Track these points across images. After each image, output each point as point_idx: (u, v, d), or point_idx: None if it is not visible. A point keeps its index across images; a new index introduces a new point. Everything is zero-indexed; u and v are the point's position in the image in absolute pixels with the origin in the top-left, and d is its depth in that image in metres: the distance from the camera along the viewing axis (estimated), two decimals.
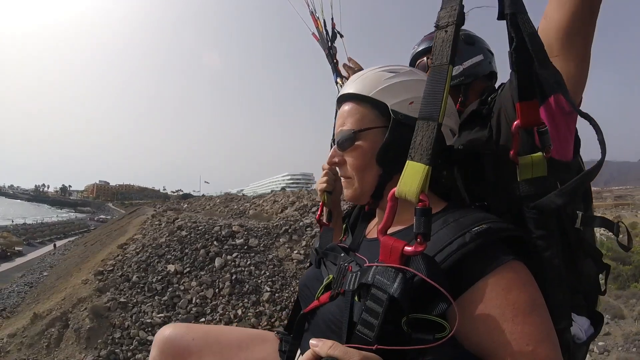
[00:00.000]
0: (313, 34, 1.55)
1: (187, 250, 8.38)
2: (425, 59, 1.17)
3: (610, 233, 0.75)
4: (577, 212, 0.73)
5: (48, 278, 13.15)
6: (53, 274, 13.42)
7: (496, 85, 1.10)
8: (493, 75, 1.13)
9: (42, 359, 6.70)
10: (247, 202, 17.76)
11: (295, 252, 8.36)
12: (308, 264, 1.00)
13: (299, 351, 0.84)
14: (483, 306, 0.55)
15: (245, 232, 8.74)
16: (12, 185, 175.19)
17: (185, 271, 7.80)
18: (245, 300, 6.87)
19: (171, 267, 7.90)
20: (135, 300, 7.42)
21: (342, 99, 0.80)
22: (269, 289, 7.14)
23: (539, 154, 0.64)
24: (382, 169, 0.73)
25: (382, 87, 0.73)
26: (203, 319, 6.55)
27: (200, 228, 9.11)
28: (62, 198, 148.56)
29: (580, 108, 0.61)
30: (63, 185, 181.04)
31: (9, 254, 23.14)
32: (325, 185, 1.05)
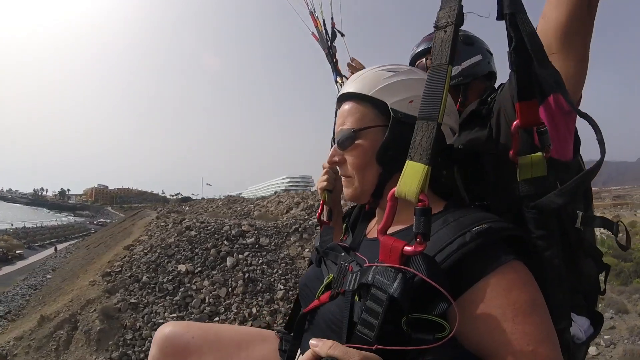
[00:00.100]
0: (313, 33, 1.53)
1: (197, 250, 8.22)
2: (424, 59, 1.16)
3: (610, 232, 0.75)
4: (578, 212, 0.72)
5: (52, 280, 12.87)
6: (57, 276, 13.14)
7: (496, 86, 1.08)
8: (492, 76, 1.12)
9: None
10: (251, 203, 17.58)
11: (307, 250, 8.23)
12: (308, 263, 0.99)
13: (299, 351, 0.83)
14: (484, 306, 0.54)
15: (256, 232, 8.59)
16: (10, 189, 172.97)
17: (196, 271, 7.63)
18: (260, 298, 6.71)
19: (182, 267, 7.72)
20: (146, 301, 7.23)
21: (342, 98, 0.79)
22: (282, 287, 7.00)
23: (539, 153, 0.64)
24: (382, 167, 0.72)
25: (381, 86, 0.72)
26: (217, 318, 6.38)
27: (209, 228, 8.95)
28: (60, 202, 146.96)
29: (580, 107, 0.60)
30: (62, 189, 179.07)
31: (10, 257, 22.80)
32: (325, 183, 1.03)
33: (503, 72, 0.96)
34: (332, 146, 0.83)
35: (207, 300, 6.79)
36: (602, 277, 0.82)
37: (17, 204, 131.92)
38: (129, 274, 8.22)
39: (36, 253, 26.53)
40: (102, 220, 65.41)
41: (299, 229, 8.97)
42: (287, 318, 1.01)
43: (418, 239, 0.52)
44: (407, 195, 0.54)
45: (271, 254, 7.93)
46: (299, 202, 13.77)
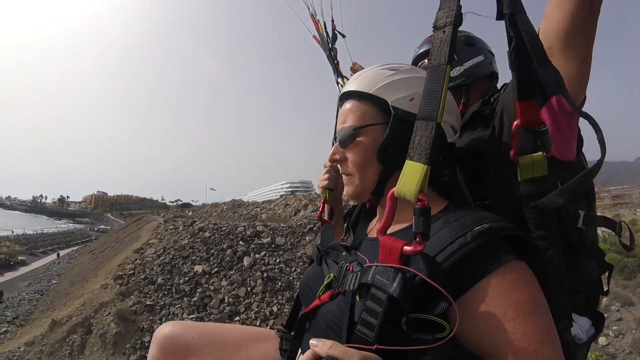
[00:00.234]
0: (314, 36, 1.52)
1: (212, 251, 8.01)
2: (426, 60, 1.14)
3: (613, 232, 0.74)
4: (579, 211, 0.71)
5: (60, 285, 12.49)
6: (65, 281, 12.75)
7: (498, 86, 1.08)
8: (494, 76, 1.10)
9: None
10: (257, 207, 17.34)
11: None
12: (309, 262, 0.98)
13: (299, 351, 0.81)
14: (484, 306, 0.53)
15: (271, 232, 8.41)
16: (9, 197, 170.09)
17: (213, 271, 7.41)
18: (280, 297, 6.51)
19: (198, 268, 7.50)
20: (162, 303, 6.98)
21: (344, 97, 0.78)
22: None
23: (539, 153, 0.62)
24: (383, 165, 0.72)
25: (382, 84, 0.72)
26: (237, 318, 6.18)
27: (223, 229, 8.75)
28: (60, 209, 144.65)
29: (582, 108, 0.60)
30: (61, 196, 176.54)
31: (12, 263, 22.26)
32: (326, 182, 1.02)
33: (504, 73, 0.97)
34: (333, 145, 0.81)
35: (226, 300, 6.58)
36: (604, 277, 0.80)
37: (17, 211, 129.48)
38: (143, 276, 7.95)
39: (38, 259, 26.16)
40: (102, 226, 64.91)
41: (314, 229, 8.80)
42: None
43: (417, 239, 0.51)
44: (407, 195, 0.53)
45: (288, 253, 7.74)
46: (306, 205, 13.60)
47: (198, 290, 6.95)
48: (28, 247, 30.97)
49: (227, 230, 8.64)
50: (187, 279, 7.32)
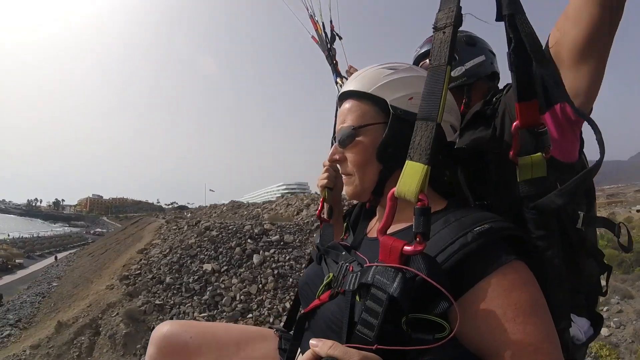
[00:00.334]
0: (312, 37, 1.52)
1: (221, 250, 7.87)
2: (427, 60, 1.12)
3: (612, 232, 0.73)
4: (579, 212, 0.70)
5: (61, 287, 12.15)
6: (67, 283, 12.41)
7: (500, 86, 1.08)
8: (495, 76, 1.09)
9: None
10: (258, 207, 17.15)
11: None
12: (308, 261, 0.98)
13: (299, 351, 0.80)
14: (484, 306, 0.52)
15: (278, 229, 8.29)
16: (4, 200, 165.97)
17: (222, 270, 7.27)
18: (292, 293, 6.41)
19: (207, 267, 7.34)
20: (172, 302, 6.81)
21: (343, 97, 0.77)
22: None
23: (539, 154, 0.62)
24: (383, 165, 0.71)
25: (381, 83, 0.70)
26: (250, 315, 6.05)
27: (230, 228, 8.60)
28: (55, 212, 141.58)
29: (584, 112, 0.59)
30: (56, 199, 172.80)
31: (10, 266, 21.64)
32: (326, 181, 1.00)
33: (505, 73, 0.95)
34: (332, 145, 0.80)
35: (238, 298, 6.45)
36: (603, 278, 0.80)
37: (11, 215, 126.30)
38: (151, 276, 7.76)
39: (36, 262, 25.63)
40: (98, 229, 63.94)
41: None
42: None
43: (418, 239, 0.50)
44: (407, 195, 0.53)
45: (297, 250, 7.64)
46: (309, 204, 13.51)
47: (208, 288, 6.80)
48: (25, 250, 30.28)
49: (234, 228, 8.50)
50: (196, 277, 7.16)
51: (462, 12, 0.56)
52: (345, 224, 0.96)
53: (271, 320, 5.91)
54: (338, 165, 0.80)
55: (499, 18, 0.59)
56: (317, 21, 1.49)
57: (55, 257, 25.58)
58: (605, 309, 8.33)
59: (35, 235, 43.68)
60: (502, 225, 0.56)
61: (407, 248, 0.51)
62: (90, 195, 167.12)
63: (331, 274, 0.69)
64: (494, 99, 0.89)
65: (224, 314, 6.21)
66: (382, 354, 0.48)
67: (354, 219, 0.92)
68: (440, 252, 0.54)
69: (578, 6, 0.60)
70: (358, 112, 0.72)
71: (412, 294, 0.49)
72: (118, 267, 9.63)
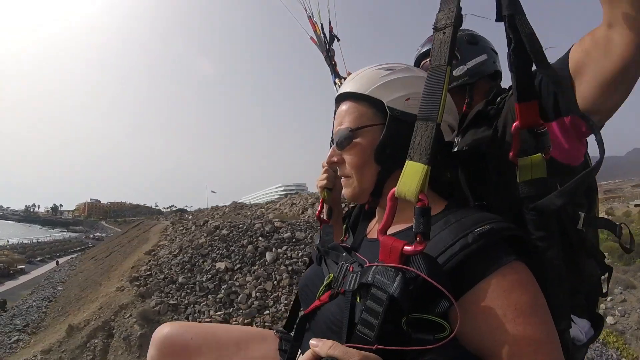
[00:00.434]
0: (311, 37, 1.50)
1: (233, 248, 7.71)
2: (429, 60, 1.02)
3: (613, 234, 0.72)
4: (580, 213, 0.69)
5: (68, 291, 11.84)
6: (73, 287, 12.10)
7: (503, 86, 1.06)
8: (497, 75, 1.06)
9: None
10: (261, 207, 16.95)
11: None
12: (308, 262, 0.96)
13: (299, 351, 0.79)
14: (484, 307, 0.51)
15: (289, 227, 8.15)
16: (1, 207, 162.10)
17: (235, 268, 7.11)
18: None
19: (220, 265, 7.19)
20: (187, 301, 6.63)
21: (340, 98, 0.76)
22: None
23: (538, 155, 0.61)
24: (381, 166, 0.70)
25: (378, 84, 0.69)
26: (267, 312, 5.92)
27: (240, 226, 8.44)
28: (53, 218, 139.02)
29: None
30: (54, 204, 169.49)
31: (11, 272, 21.11)
32: (325, 182, 0.98)
33: (506, 73, 0.91)
34: (331, 147, 0.79)
35: (253, 295, 6.30)
36: (602, 280, 0.79)
37: (9, 221, 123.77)
38: (162, 276, 7.56)
39: (37, 267, 25.13)
40: (98, 234, 63.53)
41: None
42: None
43: (418, 239, 0.50)
44: (407, 195, 0.52)
45: (309, 247, 7.49)
46: (313, 203, 13.38)
47: (223, 287, 6.64)
48: (26, 255, 29.72)
49: (244, 227, 8.35)
50: (209, 276, 6.99)
51: (462, 12, 0.55)
52: (345, 225, 0.95)
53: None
54: (337, 167, 0.79)
55: (498, 18, 0.58)
56: (315, 22, 1.47)
57: (57, 262, 25.05)
58: (609, 298, 8.48)
59: (34, 241, 42.71)
60: (503, 225, 0.55)
61: (407, 248, 0.50)
62: (88, 200, 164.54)
63: (331, 275, 0.68)
64: (499, 99, 0.86)
65: (240, 311, 6.06)
66: (382, 354, 0.47)
67: (354, 220, 0.91)
68: (441, 254, 0.53)
69: (610, 37, 0.54)
70: (355, 114, 0.71)
71: (412, 294, 0.48)
72: (126, 268, 9.39)
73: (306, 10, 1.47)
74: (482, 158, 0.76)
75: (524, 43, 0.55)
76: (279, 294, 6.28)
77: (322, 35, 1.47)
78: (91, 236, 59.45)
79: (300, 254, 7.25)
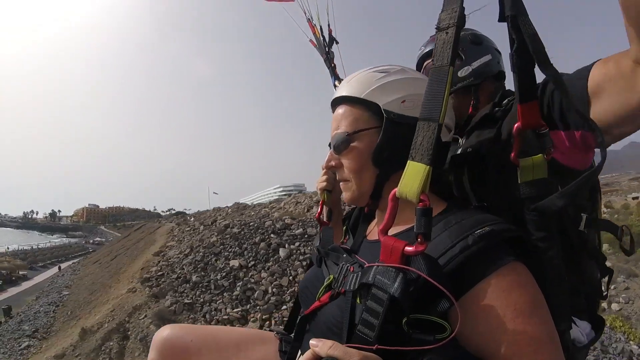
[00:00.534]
0: (310, 40, 1.49)
1: (245, 246, 7.58)
2: (432, 60, 0.98)
3: (614, 236, 0.72)
4: (582, 214, 0.68)
5: (76, 295, 11.55)
6: (81, 290, 11.78)
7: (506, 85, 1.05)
8: (502, 75, 1.03)
9: None
10: (265, 207, 16.76)
11: None
12: (307, 264, 0.96)
13: (299, 352, 0.78)
14: (484, 307, 0.51)
15: (300, 223, 8.02)
16: None
17: (250, 265, 6.96)
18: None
19: (234, 263, 7.03)
20: (202, 300, 6.47)
21: (336, 102, 0.75)
22: None
23: (540, 155, 0.59)
24: (379, 169, 0.69)
25: (373, 87, 0.68)
26: (284, 307, 5.83)
27: (251, 224, 8.29)
28: (52, 224, 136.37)
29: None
30: (52, 210, 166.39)
31: (14, 278, 20.54)
32: (325, 184, 0.97)
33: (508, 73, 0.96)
34: (329, 151, 0.79)
35: (270, 291, 6.16)
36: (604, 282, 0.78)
37: (8, 228, 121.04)
38: (175, 276, 7.36)
39: (40, 273, 24.69)
40: (98, 239, 62.86)
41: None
42: None
43: (419, 239, 0.49)
44: (408, 196, 0.51)
45: None
46: (318, 200, 13.24)
47: (238, 284, 6.49)
48: (28, 261, 29.11)
49: (255, 225, 8.20)
50: (224, 274, 6.84)
51: (463, 13, 0.54)
52: (344, 227, 0.94)
53: None
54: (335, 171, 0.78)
55: (501, 19, 0.57)
56: (315, 25, 1.45)
57: (59, 267, 24.67)
58: (612, 287, 8.63)
59: (34, 247, 41.81)
60: (503, 227, 0.54)
61: (408, 249, 0.49)
62: (87, 205, 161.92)
63: (332, 276, 0.67)
64: (505, 101, 0.85)
65: (258, 307, 5.92)
66: (382, 354, 0.47)
67: (354, 221, 0.89)
68: (441, 256, 0.53)
69: (637, 73, 0.52)
70: (351, 118, 0.70)
71: (413, 295, 0.47)
72: (136, 270, 9.17)
73: (305, 14, 1.46)
74: (482, 159, 0.75)
75: (526, 44, 0.54)
76: (296, 289, 6.16)
77: (322, 38, 1.45)
78: (91, 241, 59.01)
79: None
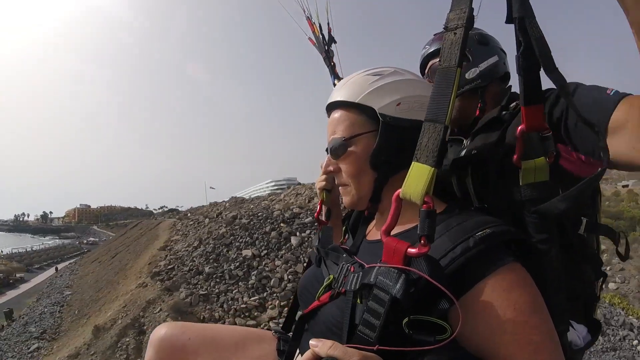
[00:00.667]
0: (309, 38, 1.45)
1: (256, 235, 7.42)
2: (436, 60, 1.04)
3: (612, 241, 0.74)
4: (582, 218, 0.67)
5: (80, 294, 11.16)
6: (85, 289, 11.31)
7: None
8: (507, 77, 1.00)
9: None
10: (264, 200, 16.50)
11: None
12: (306, 264, 0.94)
13: (297, 352, 0.77)
14: (484, 307, 0.50)
15: (309, 212, 7.88)
16: None
17: (262, 254, 6.81)
18: None
19: (247, 252, 6.86)
20: (217, 290, 6.32)
21: (331, 107, 0.73)
22: None
23: (542, 158, 0.58)
24: (377, 172, 0.67)
25: (368, 91, 0.66)
26: None
27: (259, 215, 8.09)
28: (44, 225, 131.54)
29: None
30: (43, 212, 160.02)
31: (11, 281, 19.68)
32: (324, 183, 0.95)
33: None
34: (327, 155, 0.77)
35: (285, 278, 6.05)
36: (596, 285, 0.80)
37: None
38: (186, 268, 7.14)
39: (37, 275, 23.92)
40: (91, 239, 61.59)
41: None
42: None
43: (422, 241, 0.48)
44: (412, 197, 0.50)
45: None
46: None
47: (252, 273, 6.35)
48: (24, 263, 28.08)
49: (264, 215, 8.01)
50: (237, 264, 6.68)
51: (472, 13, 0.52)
52: (344, 227, 0.92)
53: None
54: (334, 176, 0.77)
55: (509, 20, 0.55)
56: (314, 23, 1.40)
57: (56, 268, 23.88)
58: (608, 267, 9.01)
59: (29, 249, 40.19)
60: (504, 229, 0.54)
61: (411, 250, 0.48)
62: (78, 206, 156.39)
63: (331, 276, 0.66)
64: (513, 104, 0.83)
65: (275, 294, 5.81)
66: (381, 354, 0.46)
67: (353, 222, 0.88)
68: (441, 258, 0.52)
69: None
70: (347, 123, 0.68)
71: (414, 296, 0.47)
72: (142, 265, 8.88)
73: (304, 12, 1.41)
74: (484, 161, 0.74)
75: (533, 46, 0.53)
76: None
77: (321, 36, 1.40)
78: (85, 241, 57.64)
79: None
